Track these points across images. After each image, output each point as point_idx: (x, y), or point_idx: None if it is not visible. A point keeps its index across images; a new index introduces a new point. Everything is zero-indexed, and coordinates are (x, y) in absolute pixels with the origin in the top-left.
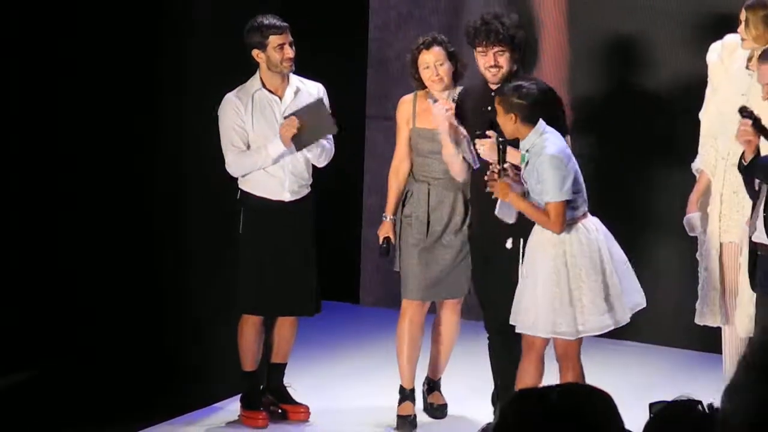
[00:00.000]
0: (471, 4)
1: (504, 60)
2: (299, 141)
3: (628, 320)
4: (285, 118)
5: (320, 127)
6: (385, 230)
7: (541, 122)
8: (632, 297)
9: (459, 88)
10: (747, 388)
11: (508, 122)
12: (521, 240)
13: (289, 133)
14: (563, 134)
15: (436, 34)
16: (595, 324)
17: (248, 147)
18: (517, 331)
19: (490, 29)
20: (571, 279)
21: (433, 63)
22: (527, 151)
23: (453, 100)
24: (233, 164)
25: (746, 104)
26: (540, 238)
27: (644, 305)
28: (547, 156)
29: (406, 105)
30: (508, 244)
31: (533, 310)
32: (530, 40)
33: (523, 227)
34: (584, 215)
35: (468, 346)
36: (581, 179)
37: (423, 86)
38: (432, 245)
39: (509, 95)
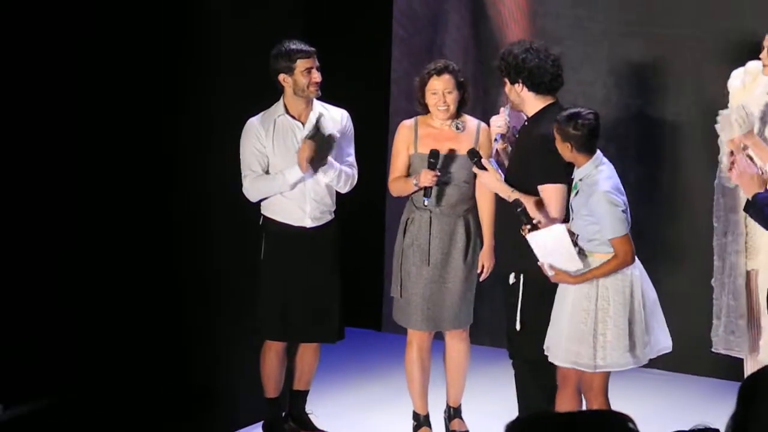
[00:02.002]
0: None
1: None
2: (316, 164)
3: (647, 361)
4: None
5: (326, 151)
6: (424, 181)
7: (599, 153)
8: (659, 338)
9: (464, 117)
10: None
11: (564, 150)
12: (522, 275)
13: (306, 156)
14: None
15: (448, 62)
16: (614, 360)
17: (267, 172)
18: (549, 359)
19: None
20: (599, 311)
21: (441, 90)
22: (580, 180)
23: (457, 128)
24: (250, 189)
25: (765, 130)
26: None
27: (670, 349)
28: (600, 194)
29: (407, 130)
30: (511, 279)
31: (557, 337)
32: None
33: (526, 262)
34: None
35: (492, 371)
36: (629, 214)
37: (426, 111)
38: (436, 276)
39: (565, 125)
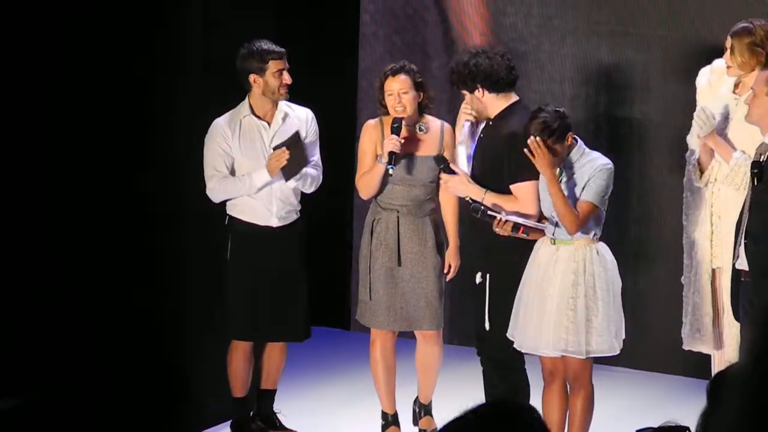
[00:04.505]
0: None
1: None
2: (287, 172)
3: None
4: (274, 149)
5: (301, 160)
6: (388, 146)
7: (581, 142)
8: (623, 326)
9: (427, 118)
10: (724, 412)
11: (564, 146)
12: (488, 275)
13: (278, 164)
14: None
15: (405, 63)
16: (603, 346)
17: (232, 172)
18: (523, 351)
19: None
20: (587, 299)
21: (396, 91)
22: (570, 167)
23: (420, 129)
24: (214, 189)
25: (729, 129)
26: (555, 255)
27: (624, 337)
28: (601, 165)
29: (372, 129)
30: (478, 278)
31: (541, 328)
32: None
33: (492, 262)
34: (599, 238)
35: (460, 370)
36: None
37: (388, 112)
38: (407, 275)
39: (561, 119)
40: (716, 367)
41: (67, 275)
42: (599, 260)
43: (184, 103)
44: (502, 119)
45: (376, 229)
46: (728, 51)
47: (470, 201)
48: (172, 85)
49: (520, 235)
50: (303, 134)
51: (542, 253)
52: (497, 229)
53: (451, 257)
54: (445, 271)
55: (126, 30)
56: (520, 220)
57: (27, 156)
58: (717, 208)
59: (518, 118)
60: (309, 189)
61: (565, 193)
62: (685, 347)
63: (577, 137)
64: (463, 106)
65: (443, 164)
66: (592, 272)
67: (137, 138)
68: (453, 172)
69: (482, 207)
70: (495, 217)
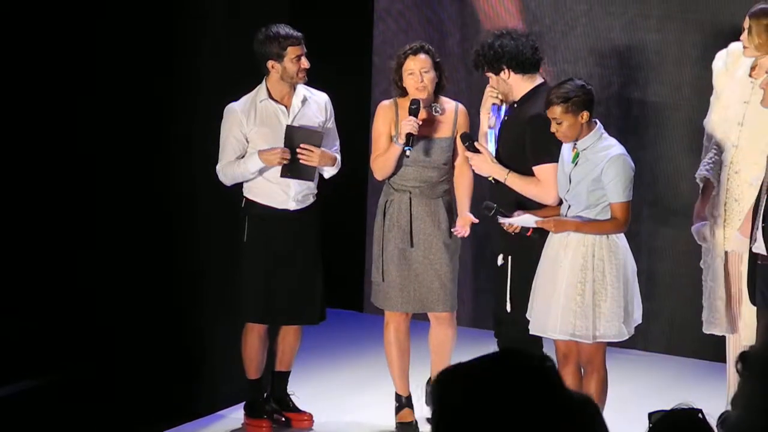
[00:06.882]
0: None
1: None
2: (286, 169)
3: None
4: (287, 127)
5: (304, 167)
6: (406, 127)
7: (600, 125)
8: (638, 311)
9: (442, 99)
10: (753, 398)
11: (577, 122)
12: (510, 257)
13: (273, 159)
14: None
15: (423, 42)
16: (611, 331)
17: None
18: (531, 333)
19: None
20: (595, 283)
21: (418, 70)
22: (584, 150)
23: (435, 111)
24: (220, 172)
25: (746, 112)
26: (566, 239)
27: (640, 321)
28: (617, 157)
29: (387, 110)
30: (499, 260)
31: (550, 311)
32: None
33: (514, 245)
34: None
35: (476, 353)
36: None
37: (404, 93)
38: (420, 257)
39: (578, 94)
40: (731, 351)
41: (84, 259)
42: (609, 245)
43: (199, 87)
44: (528, 101)
45: (388, 210)
46: (746, 31)
47: (493, 181)
48: (188, 69)
49: (529, 235)
50: (323, 119)
51: (555, 236)
52: (506, 228)
53: (465, 217)
54: (458, 226)
55: (139, 13)
56: (528, 224)
57: (51, 138)
58: (732, 191)
59: (543, 100)
60: (328, 175)
61: (581, 176)
62: (705, 331)
63: (597, 120)
64: (488, 89)
65: (468, 142)
66: (602, 257)
67: (154, 120)
68: (477, 151)
69: (495, 206)
70: (506, 216)
